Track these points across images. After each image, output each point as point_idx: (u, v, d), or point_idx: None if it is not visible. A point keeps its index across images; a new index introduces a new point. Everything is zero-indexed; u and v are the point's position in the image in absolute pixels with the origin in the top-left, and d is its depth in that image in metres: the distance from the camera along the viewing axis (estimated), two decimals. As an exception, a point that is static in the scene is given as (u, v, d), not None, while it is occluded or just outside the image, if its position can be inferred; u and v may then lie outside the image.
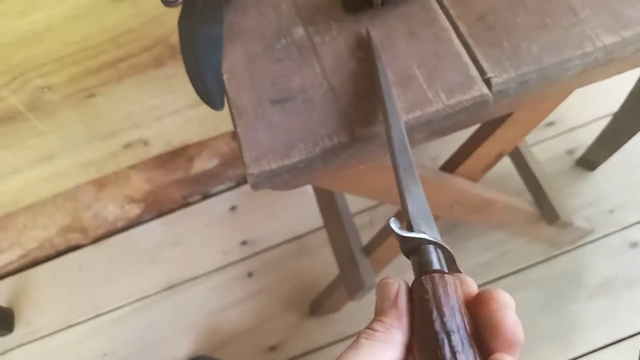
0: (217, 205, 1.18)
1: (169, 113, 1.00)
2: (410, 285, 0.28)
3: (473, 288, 0.27)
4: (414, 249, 0.28)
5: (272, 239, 1.12)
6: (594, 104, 1.12)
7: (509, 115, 0.58)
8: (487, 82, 0.42)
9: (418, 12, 0.46)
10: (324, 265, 1.03)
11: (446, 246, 0.28)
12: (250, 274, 1.09)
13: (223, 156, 1.15)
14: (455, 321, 0.25)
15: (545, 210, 0.81)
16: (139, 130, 1.01)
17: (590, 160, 1.04)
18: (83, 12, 0.75)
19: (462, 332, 0.25)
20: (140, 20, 0.80)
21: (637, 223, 1.02)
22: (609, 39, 0.42)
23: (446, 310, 0.25)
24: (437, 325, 0.25)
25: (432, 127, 0.43)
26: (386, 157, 0.49)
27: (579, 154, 1.07)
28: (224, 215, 1.17)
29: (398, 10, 0.47)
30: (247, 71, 0.46)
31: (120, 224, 1.19)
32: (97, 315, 1.11)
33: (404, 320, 0.26)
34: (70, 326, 1.10)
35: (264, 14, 0.49)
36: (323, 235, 0.99)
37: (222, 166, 1.16)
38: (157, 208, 1.20)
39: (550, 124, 1.14)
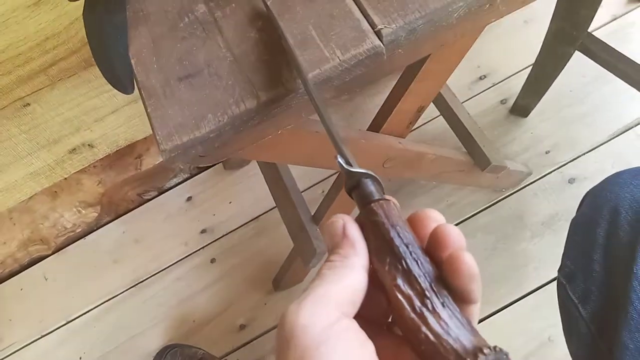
0: (173, 198, 1.20)
1: (110, 112, 1.00)
2: (356, 218, 0.30)
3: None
4: (355, 185, 0.31)
5: (231, 224, 1.14)
6: (520, 55, 1.17)
7: (420, 68, 0.62)
8: (378, 34, 0.45)
9: (311, -23, 0.49)
10: (282, 242, 1.05)
11: (379, 178, 0.31)
12: (212, 260, 1.11)
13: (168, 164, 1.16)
14: (409, 236, 0.28)
15: (477, 157, 0.86)
16: (81, 133, 1.02)
17: (522, 107, 1.09)
18: (3, 21, 0.75)
19: (416, 244, 0.28)
20: (63, 22, 0.80)
21: (572, 160, 1.08)
22: (488, -22, 0.45)
23: (400, 228, 0.28)
24: (397, 240, 0.28)
25: (334, 83, 0.46)
26: (301, 121, 0.52)
27: (512, 102, 1.12)
28: (182, 207, 1.18)
29: (292, -24, 0.49)
30: (153, 53, 0.48)
31: (79, 230, 1.20)
32: (68, 322, 1.12)
33: (359, 246, 0.28)
34: (43, 336, 1.11)
35: (165, -4, 0.50)
36: (278, 214, 1.02)
37: (172, 159, 1.17)
38: (113, 209, 1.21)
39: (483, 77, 1.18)
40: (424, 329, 0.26)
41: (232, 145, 0.48)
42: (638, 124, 1.08)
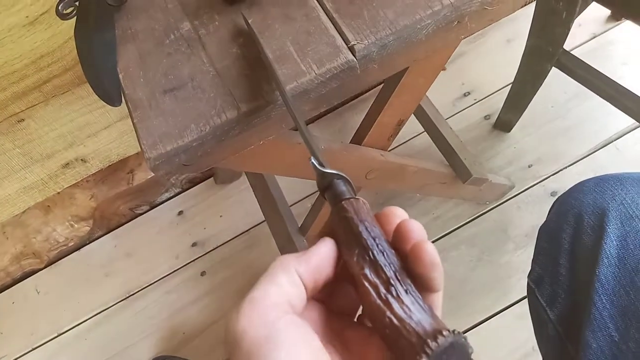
0: (165, 212, 1.22)
1: (102, 128, 1.03)
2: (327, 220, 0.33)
3: None
4: (328, 185, 0.33)
5: (221, 237, 1.16)
6: (503, 72, 1.20)
7: (397, 83, 0.65)
8: (352, 49, 0.48)
9: (290, -3, 0.52)
10: (272, 254, 1.07)
11: (350, 180, 0.34)
12: (203, 273, 1.13)
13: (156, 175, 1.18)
14: (376, 230, 0.30)
15: (458, 169, 0.88)
16: (75, 149, 1.04)
17: (505, 122, 1.13)
18: (-1, 39, 0.78)
19: (382, 237, 0.30)
20: (57, 41, 0.83)
21: (554, 174, 1.10)
22: (454, -3, 0.48)
23: (368, 223, 0.30)
24: (364, 234, 0.30)
25: (311, 96, 0.49)
26: (282, 132, 0.54)
27: (495, 118, 1.15)
28: (173, 221, 1.20)
29: (272, -3, 0.52)
30: (140, 67, 0.50)
31: (71, 244, 1.22)
32: (59, 335, 1.13)
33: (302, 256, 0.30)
34: (34, 349, 1.12)
35: (152, 16, 0.53)
36: (268, 228, 1.04)
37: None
38: (106, 223, 1.22)
39: (467, 94, 1.21)
40: (388, 313, 0.27)
41: (215, 154, 0.50)
42: (618, 138, 1.11)
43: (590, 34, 1.24)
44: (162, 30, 0.52)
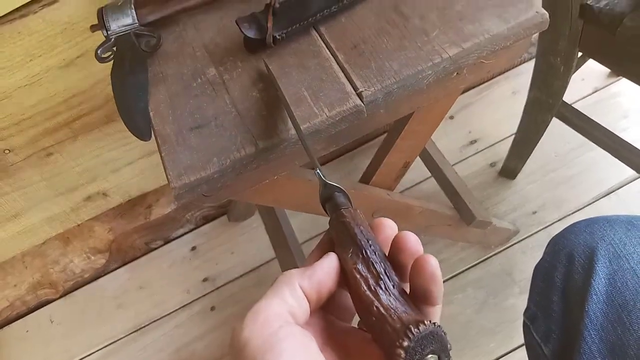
0: (179, 247, 1.26)
1: (125, 164, 1.09)
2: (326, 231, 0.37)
3: None
4: (329, 197, 0.37)
5: (232, 273, 1.19)
6: (509, 122, 1.25)
7: (403, 128, 0.70)
8: (360, 95, 0.53)
9: (306, 47, 0.58)
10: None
11: (348, 194, 0.38)
12: (212, 308, 1.16)
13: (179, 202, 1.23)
14: (370, 234, 0.34)
15: (463, 212, 0.92)
16: (98, 183, 1.09)
17: (510, 170, 1.16)
18: (37, 79, 0.85)
19: (375, 241, 0.33)
20: (90, 82, 0.90)
21: (558, 220, 1.13)
22: (453, 51, 0.53)
23: (363, 228, 0.34)
24: (359, 235, 0.33)
25: (322, 136, 0.53)
26: (295, 168, 0.59)
27: (500, 165, 1.19)
28: (186, 256, 1.24)
29: (290, 47, 0.58)
30: (169, 107, 0.56)
31: (87, 275, 1.25)
32: (70, 365, 1.15)
33: (307, 270, 0.32)
34: (44, 379, 1.14)
35: (182, 62, 0.59)
36: (278, 265, 1.07)
37: (180, 210, 1.24)
38: (121, 256, 1.26)
39: (473, 142, 1.26)
40: (376, 303, 0.30)
41: (233, 186, 0.55)
42: (620, 187, 1.14)
43: (592, 87, 1.29)
44: (190, 74, 0.58)
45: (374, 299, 0.30)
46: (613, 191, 1.14)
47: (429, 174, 1.17)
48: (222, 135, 0.53)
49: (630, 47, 0.70)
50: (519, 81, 1.33)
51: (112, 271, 1.26)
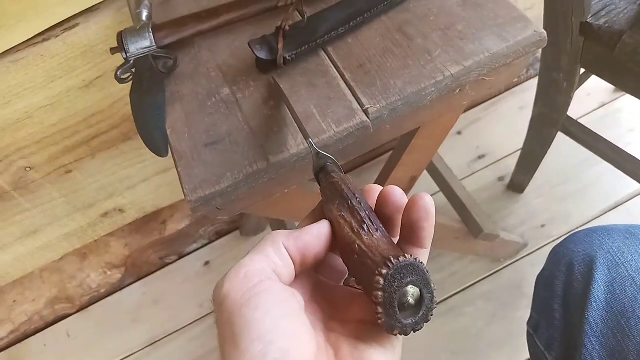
0: (192, 262, 1.28)
1: (141, 181, 1.12)
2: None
3: None
4: (322, 166, 0.39)
5: (244, 287, 1.21)
6: (516, 137, 1.26)
7: (409, 143, 0.72)
8: (366, 112, 0.55)
9: (314, 67, 0.60)
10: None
11: (339, 164, 0.39)
12: (226, 321, 1.17)
13: (194, 216, 1.26)
14: (358, 191, 0.35)
15: (470, 225, 0.93)
16: (114, 199, 1.13)
17: (517, 184, 1.18)
18: (58, 99, 0.89)
19: (362, 196, 0.34)
20: (108, 102, 0.93)
21: (566, 234, 1.14)
22: (455, 69, 0.56)
23: (350, 185, 0.35)
24: (346, 189, 0.35)
25: (331, 151, 0.56)
26: (303, 182, 0.61)
27: (508, 179, 1.21)
28: (199, 271, 1.26)
29: (299, 66, 0.61)
30: (185, 125, 0.59)
31: (103, 290, 1.28)
32: (86, 378, 1.17)
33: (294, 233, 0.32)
34: (60, 392, 1.17)
35: (197, 82, 0.62)
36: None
37: (193, 225, 1.27)
38: (136, 271, 1.29)
39: (481, 156, 1.28)
40: (358, 242, 0.31)
41: (246, 200, 0.57)
42: (628, 200, 1.15)
43: (599, 102, 1.31)
44: (205, 94, 0.61)
45: (355, 238, 0.31)
46: (622, 204, 1.15)
47: (437, 189, 1.19)
48: (236, 151, 0.56)
49: (629, 64, 0.73)
50: (525, 97, 1.35)
51: (127, 286, 1.29)
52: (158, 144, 0.58)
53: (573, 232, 1.13)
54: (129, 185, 1.11)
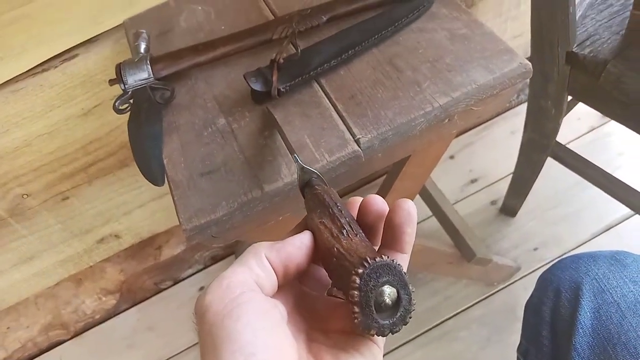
0: (187, 287, 1.28)
1: (137, 207, 1.13)
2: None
3: None
4: (307, 181, 0.40)
5: (240, 312, 1.21)
6: (508, 161, 1.28)
7: (400, 170, 0.73)
8: (358, 142, 0.57)
9: (308, 98, 0.62)
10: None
11: (323, 178, 0.41)
12: (221, 347, 1.17)
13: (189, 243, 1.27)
14: (340, 201, 0.36)
15: (463, 249, 0.95)
16: (110, 225, 1.13)
17: (510, 207, 1.20)
18: (56, 128, 0.90)
19: (344, 206, 0.35)
20: (106, 129, 0.95)
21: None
22: (443, 100, 0.58)
23: (333, 195, 0.36)
24: (327, 199, 0.36)
25: (324, 179, 0.57)
26: (296, 210, 0.62)
27: (500, 203, 1.23)
28: (194, 296, 1.26)
29: (293, 97, 0.62)
30: (182, 154, 0.60)
31: (98, 316, 1.28)
32: (80, 406, 1.16)
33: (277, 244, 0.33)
34: (54, 420, 1.16)
35: (193, 112, 0.64)
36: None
37: (189, 251, 1.28)
38: (131, 297, 1.29)
39: (474, 180, 1.30)
40: (337, 245, 0.31)
41: (241, 228, 0.58)
42: (618, 223, 1.17)
43: (588, 126, 1.33)
44: (202, 124, 0.63)
45: (335, 242, 0.31)
46: (612, 227, 1.17)
47: (430, 213, 1.20)
48: (231, 180, 0.57)
49: (614, 92, 0.75)
50: (516, 121, 1.37)
51: (122, 312, 1.28)
52: (155, 174, 0.59)
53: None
54: (125, 211, 1.12)
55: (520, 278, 1.14)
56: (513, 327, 1.08)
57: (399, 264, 0.29)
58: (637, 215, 1.16)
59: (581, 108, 1.03)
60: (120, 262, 1.23)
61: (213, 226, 0.55)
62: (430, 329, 1.10)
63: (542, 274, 0.61)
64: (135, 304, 1.29)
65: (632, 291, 0.51)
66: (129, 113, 0.64)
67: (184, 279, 1.30)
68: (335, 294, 0.34)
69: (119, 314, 1.29)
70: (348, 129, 0.58)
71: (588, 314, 0.51)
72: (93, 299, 1.26)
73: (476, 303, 1.12)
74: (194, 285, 1.29)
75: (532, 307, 0.59)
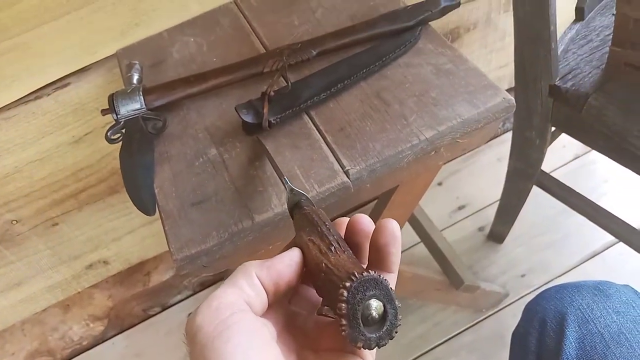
0: (176, 314, 1.28)
1: (127, 233, 1.13)
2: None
3: None
4: (296, 203, 0.41)
5: (229, 339, 1.20)
6: (495, 188, 1.30)
7: (389, 200, 0.75)
8: (347, 173, 0.58)
9: (298, 130, 0.63)
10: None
11: (310, 200, 0.42)
12: (209, 374, 1.16)
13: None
14: (328, 220, 0.37)
15: (451, 277, 0.96)
16: (99, 251, 1.13)
17: (497, 234, 1.21)
18: (47, 155, 0.90)
19: (332, 225, 0.36)
20: (97, 156, 0.95)
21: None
22: (429, 133, 0.59)
23: (321, 215, 0.37)
24: (316, 217, 0.37)
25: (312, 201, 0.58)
26: (287, 238, 0.63)
27: (488, 229, 1.24)
28: (182, 322, 1.24)
29: (284, 129, 0.64)
30: (173, 184, 0.61)
31: (85, 343, 1.27)
32: None
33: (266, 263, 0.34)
34: None
35: (185, 142, 0.65)
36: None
37: (177, 277, 1.27)
38: (119, 323, 1.28)
39: (462, 207, 1.31)
40: (325, 261, 0.32)
41: (231, 257, 0.59)
42: (604, 250, 1.19)
43: (573, 154, 1.36)
44: (193, 154, 0.64)
45: (323, 258, 0.32)
46: (598, 254, 1.19)
47: (419, 239, 1.21)
48: (222, 210, 0.58)
49: (596, 124, 0.77)
50: (502, 149, 1.40)
51: (110, 338, 1.27)
52: (146, 204, 0.60)
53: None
54: (114, 237, 1.12)
55: (509, 304, 1.15)
56: (501, 354, 1.08)
57: (385, 279, 0.30)
58: (621, 242, 1.18)
59: (566, 137, 1.06)
60: (109, 288, 1.22)
61: (203, 256, 0.55)
62: (420, 355, 1.10)
63: (528, 304, 0.61)
64: (123, 330, 1.28)
65: (615, 321, 0.52)
66: (120, 143, 0.65)
67: (172, 305, 1.30)
68: (325, 312, 0.34)
69: (106, 340, 1.27)
70: (337, 161, 0.59)
71: (573, 344, 0.52)
72: (81, 325, 1.24)
73: (465, 330, 1.13)
74: (182, 312, 1.28)
75: (519, 337, 0.59)
